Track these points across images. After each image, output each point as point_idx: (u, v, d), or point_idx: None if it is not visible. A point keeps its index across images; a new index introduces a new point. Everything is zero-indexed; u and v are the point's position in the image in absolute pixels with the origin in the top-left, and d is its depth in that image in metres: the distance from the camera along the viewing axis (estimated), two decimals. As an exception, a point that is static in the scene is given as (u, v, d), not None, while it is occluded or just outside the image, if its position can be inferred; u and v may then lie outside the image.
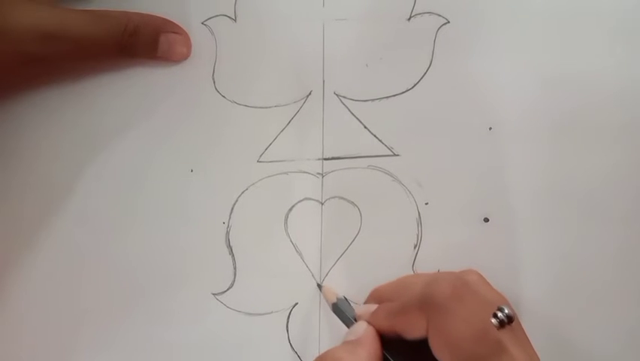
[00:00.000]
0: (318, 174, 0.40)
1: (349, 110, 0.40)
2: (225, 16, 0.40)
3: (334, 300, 0.37)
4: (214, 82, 0.40)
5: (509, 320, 0.31)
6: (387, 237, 0.39)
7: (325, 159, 0.40)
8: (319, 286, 0.39)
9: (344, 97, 0.40)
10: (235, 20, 0.40)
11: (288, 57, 0.40)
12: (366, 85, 0.40)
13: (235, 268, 0.39)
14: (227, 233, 0.39)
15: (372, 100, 0.39)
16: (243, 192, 0.40)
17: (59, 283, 0.40)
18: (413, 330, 0.31)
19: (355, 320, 0.35)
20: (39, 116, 0.40)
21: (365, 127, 0.39)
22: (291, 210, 0.40)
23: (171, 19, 0.39)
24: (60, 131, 0.40)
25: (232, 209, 0.40)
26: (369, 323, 0.33)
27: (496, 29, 0.39)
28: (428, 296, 0.31)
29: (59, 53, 0.37)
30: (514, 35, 0.39)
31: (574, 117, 0.38)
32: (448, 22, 0.39)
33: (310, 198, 0.40)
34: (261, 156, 0.40)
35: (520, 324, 0.32)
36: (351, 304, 0.38)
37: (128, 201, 0.40)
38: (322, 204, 0.40)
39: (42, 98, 0.40)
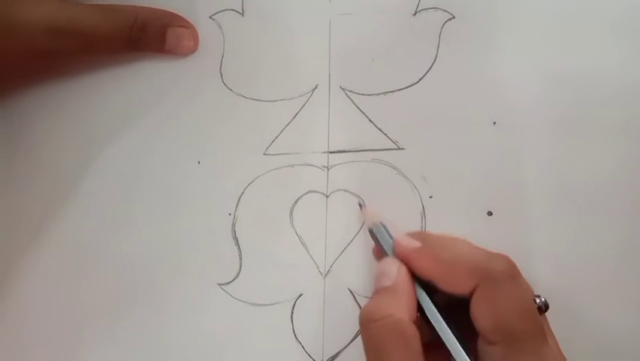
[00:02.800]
0: (324, 167, 0.40)
1: (355, 104, 0.40)
2: (233, 10, 0.40)
3: (376, 223, 0.36)
4: (221, 75, 0.40)
5: (546, 308, 0.32)
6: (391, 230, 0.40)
7: (331, 153, 0.40)
8: (360, 205, 0.39)
9: (350, 91, 0.40)
10: (242, 14, 0.40)
11: (295, 51, 0.40)
12: (371, 79, 0.40)
13: (241, 259, 0.40)
14: (234, 225, 0.40)
15: (378, 94, 0.40)
16: (249, 184, 0.40)
17: (64, 275, 0.40)
18: (456, 287, 0.32)
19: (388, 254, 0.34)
20: (45, 109, 0.41)
21: (370, 121, 0.40)
22: (296, 202, 0.40)
23: (179, 14, 0.40)
24: (67, 124, 0.41)
25: (238, 201, 0.40)
26: (405, 258, 0.33)
27: (501, 25, 0.40)
28: (484, 266, 0.31)
29: (67, 48, 0.37)
30: (519, 31, 0.39)
31: (578, 112, 0.39)
32: (454, 17, 0.40)
33: (316, 191, 0.40)
34: (267, 148, 0.40)
35: (547, 321, 0.33)
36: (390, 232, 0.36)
37: (134, 193, 0.40)
38: (327, 196, 0.40)
39: (48, 91, 0.40)
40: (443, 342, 0.31)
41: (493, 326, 0.30)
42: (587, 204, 0.38)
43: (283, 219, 0.40)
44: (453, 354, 0.31)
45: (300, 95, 0.40)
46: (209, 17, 0.40)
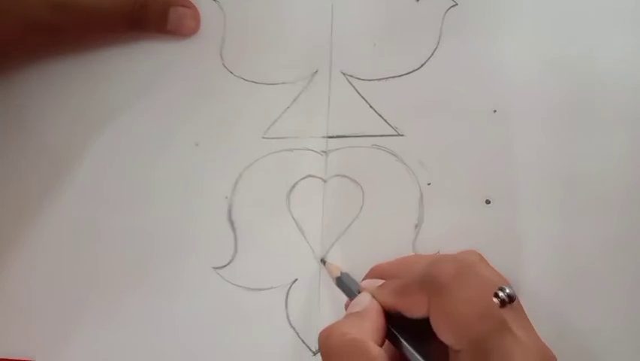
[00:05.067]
0: (323, 151, 0.40)
1: (355, 89, 0.40)
2: (235, -9, 0.40)
3: (338, 274, 0.37)
4: (222, 57, 0.40)
5: (510, 300, 0.30)
6: (388, 216, 0.39)
7: (330, 137, 0.40)
8: (323, 261, 0.39)
9: (350, 76, 0.40)
10: (245, -4, 0.40)
11: (297, 35, 0.40)
12: (373, 64, 0.40)
13: (236, 243, 0.39)
14: (230, 208, 0.40)
15: (379, 80, 0.39)
16: (246, 168, 0.40)
17: (63, 256, 0.40)
18: (415, 310, 0.31)
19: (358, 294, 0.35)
20: (45, 89, 0.41)
21: (370, 106, 0.40)
22: (294, 187, 0.40)
23: (181, -6, 0.40)
24: (66, 104, 0.41)
25: (235, 184, 0.40)
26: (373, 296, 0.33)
27: (504, 13, 0.39)
28: (430, 276, 0.31)
29: (69, 23, 0.37)
30: (521, 19, 0.39)
31: (578, 101, 0.38)
32: (457, 4, 0.40)
33: (313, 176, 0.40)
34: (266, 132, 0.40)
35: (520, 305, 0.32)
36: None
37: (132, 174, 0.40)
38: (325, 182, 0.40)
39: (49, 71, 0.40)
40: None
41: (453, 335, 0.30)
42: (585, 193, 0.38)
43: (280, 204, 0.40)
44: None
45: (301, 79, 0.40)
46: (211, -2, 0.40)
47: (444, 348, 0.31)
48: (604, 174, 0.38)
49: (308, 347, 0.39)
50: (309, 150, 0.40)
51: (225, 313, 0.39)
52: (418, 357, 0.31)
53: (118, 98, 0.40)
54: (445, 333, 0.30)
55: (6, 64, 0.40)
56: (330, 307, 0.39)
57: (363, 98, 0.40)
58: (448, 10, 0.40)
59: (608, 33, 0.39)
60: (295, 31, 0.40)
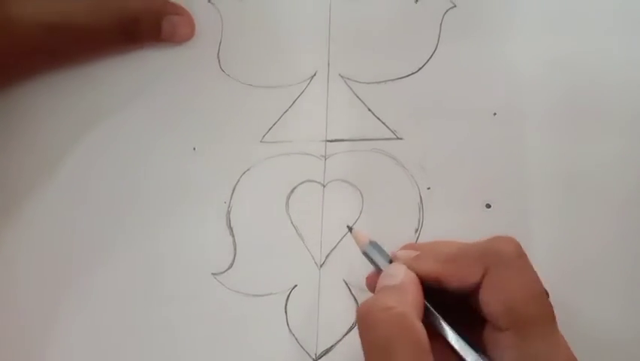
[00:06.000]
0: (321, 156, 0.39)
1: (354, 93, 0.39)
2: (232, -5, 0.40)
3: (367, 242, 0.34)
4: (219, 61, 0.40)
5: (547, 294, 0.31)
6: (388, 221, 0.39)
7: (328, 141, 0.39)
8: (349, 228, 0.36)
9: (349, 79, 0.39)
10: (242, -1, 0.40)
11: (294, 37, 0.40)
12: (371, 67, 0.39)
13: (235, 249, 0.39)
14: (228, 213, 0.39)
15: (378, 82, 0.39)
16: (245, 172, 0.39)
17: (60, 262, 0.40)
18: (465, 278, 0.30)
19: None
20: (43, 97, 0.40)
21: (369, 110, 0.39)
22: (292, 191, 0.39)
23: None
24: (64, 111, 0.40)
25: (234, 189, 0.39)
26: (407, 265, 0.31)
27: (503, 15, 0.39)
28: (493, 249, 0.30)
29: (63, 44, 0.37)
30: (520, 22, 0.39)
31: (579, 104, 0.38)
32: (455, 6, 0.39)
33: (312, 180, 0.39)
34: (264, 136, 0.40)
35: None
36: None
37: (130, 179, 0.40)
38: (324, 186, 0.39)
39: (45, 79, 0.40)
40: (448, 347, 0.30)
41: (504, 311, 0.29)
42: (586, 197, 0.38)
43: (279, 209, 0.39)
44: (461, 353, 0.30)
45: (299, 82, 0.40)
46: (208, 1, 0.40)
47: (478, 330, 0.30)
48: (605, 178, 0.38)
49: (308, 353, 0.38)
50: (307, 154, 0.39)
51: (224, 319, 0.39)
52: (457, 337, 0.30)
53: (114, 102, 0.40)
54: (494, 308, 0.29)
55: (2, 84, 0.40)
56: (330, 313, 0.39)
57: (361, 101, 0.39)
58: (446, 11, 0.39)
59: (607, 35, 0.38)
60: (293, 33, 0.40)
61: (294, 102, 0.39)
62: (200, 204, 0.39)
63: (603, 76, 0.38)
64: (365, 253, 0.34)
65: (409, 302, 0.29)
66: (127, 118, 0.40)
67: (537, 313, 0.29)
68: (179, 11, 0.39)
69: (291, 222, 0.39)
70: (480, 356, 0.29)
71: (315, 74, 0.40)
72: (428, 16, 0.39)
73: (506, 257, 0.30)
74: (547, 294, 0.31)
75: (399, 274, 0.31)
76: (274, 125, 0.39)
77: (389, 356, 0.27)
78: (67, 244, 0.40)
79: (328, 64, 0.39)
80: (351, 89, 0.39)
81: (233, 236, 0.39)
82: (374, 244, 0.34)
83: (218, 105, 0.39)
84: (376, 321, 0.28)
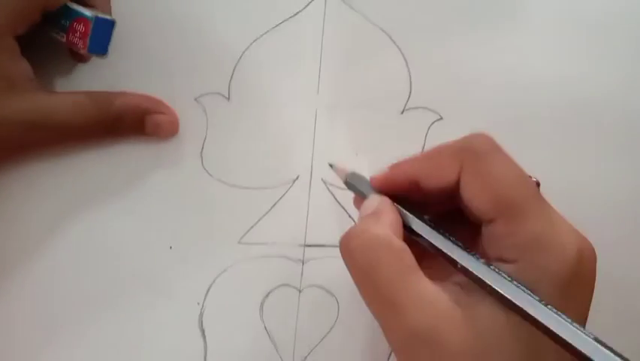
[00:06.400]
0: (299, 260, 0.39)
1: (335, 198, 0.39)
2: (219, 94, 0.39)
3: (347, 174, 0.35)
4: (202, 159, 0.39)
5: (538, 185, 0.31)
6: (364, 330, 0.38)
7: (307, 246, 0.39)
8: (330, 165, 0.37)
9: (331, 184, 0.39)
10: (228, 99, 0.39)
11: (279, 140, 0.39)
12: (354, 174, 0.39)
13: (206, 352, 0.38)
14: (201, 315, 0.38)
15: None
16: (220, 274, 0.39)
17: (27, 357, 0.38)
18: (442, 175, 0.30)
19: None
20: (21, 186, 0.39)
21: (350, 216, 0.39)
22: (267, 295, 0.39)
23: (164, 93, 0.39)
24: (41, 202, 0.39)
25: (208, 290, 0.38)
26: (384, 180, 0.32)
27: (489, 126, 0.39)
28: (466, 143, 0.30)
29: (44, 140, 0.37)
30: (510, 133, 0.39)
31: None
32: (442, 118, 0.39)
33: (288, 285, 0.39)
34: (242, 237, 0.39)
35: None
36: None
37: (102, 274, 0.38)
38: (300, 291, 0.39)
39: (21, 168, 0.39)
40: (441, 256, 0.29)
41: (489, 200, 0.28)
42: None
43: (253, 313, 0.38)
44: (455, 258, 0.28)
45: (281, 185, 0.39)
46: (194, 99, 0.39)
47: (471, 236, 0.29)
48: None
49: None
50: (285, 257, 0.39)
51: None
52: (450, 244, 0.29)
53: (93, 196, 0.39)
54: (480, 199, 0.28)
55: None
56: None
57: (342, 207, 0.39)
58: (432, 123, 0.39)
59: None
60: (278, 136, 0.39)
61: (274, 205, 0.39)
62: (173, 304, 0.38)
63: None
64: (347, 184, 0.34)
65: (384, 223, 0.29)
66: (104, 211, 0.39)
67: (523, 194, 0.28)
68: (163, 109, 0.38)
69: (265, 328, 0.38)
70: (467, 251, 0.28)
71: (297, 178, 0.39)
72: (414, 126, 0.39)
73: (481, 150, 0.29)
74: (537, 184, 0.31)
75: (374, 203, 0.31)
76: (253, 226, 0.39)
77: (374, 277, 0.28)
78: (37, 333, 0.38)
79: (311, 168, 0.39)
80: (332, 194, 0.39)
81: (204, 339, 0.38)
82: (355, 175, 0.34)
83: (198, 204, 0.39)
84: (354, 248, 0.29)
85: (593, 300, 0.29)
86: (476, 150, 0.29)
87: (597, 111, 0.40)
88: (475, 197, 0.29)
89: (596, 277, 0.28)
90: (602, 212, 0.39)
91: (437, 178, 0.30)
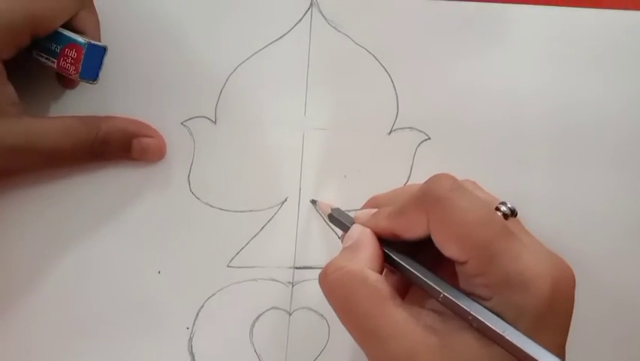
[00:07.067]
0: (289, 283, 0.39)
1: (324, 220, 0.39)
2: (205, 117, 0.39)
3: (329, 211, 0.36)
4: (189, 183, 0.39)
5: (512, 213, 0.30)
6: (354, 353, 0.38)
7: (297, 268, 0.39)
8: (313, 201, 0.38)
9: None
10: (215, 123, 0.39)
11: (266, 163, 0.39)
12: (343, 195, 0.39)
13: (195, 377, 0.38)
14: (191, 339, 0.38)
15: (349, 211, 0.39)
16: (209, 298, 0.38)
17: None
18: (413, 229, 0.30)
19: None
20: (5, 211, 0.39)
21: (339, 237, 0.39)
22: (257, 319, 0.38)
23: (150, 117, 0.39)
24: (26, 228, 0.39)
25: (197, 314, 0.38)
26: (367, 226, 0.32)
27: (477, 146, 0.39)
28: (427, 191, 0.30)
29: (29, 165, 0.37)
30: (497, 153, 0.39)
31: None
32: (429, 138, 0.39)
33: (278, 308, 0.39)
34: (231, 260, 0.39)
35: (521, 223, 0.31)
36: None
37: (91, 299, 0.38)
38: (290, 314, 0.38)
39: (10, 194, 0.39)
40: (417, 285, 0.30)
41: (457, 245, 0.28)
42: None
43: (242, 337, 0.38)
44: (435, 286, 0.29)
45: (269, 207, 0.39)
46: (181, 123, 0.39)
47: (449, 272, 0.29)
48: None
49: None
50: (274, 280, 0.39)
51: None
52: (418, 274, 0.30)
53: (81, 221, 0.39)
54: (448, 245, 0.29)
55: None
56: None
57: (332, 229, 0.39)
58: (420, 143, 0.39)
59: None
60: (265, 158, 0.39)
61: (263, 227, 0.39)
62: (162, 329, 0.38)
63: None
64: (331, 218, 0.36)
65: (362, 258, 0.31)
66: (91, 236, 0.39)
67: (488, 235, 0.28)
68: (150, 133, 0.38)
69: (255, 351, 0.38)
70: (446, 284, 0.29)
71: (286, 200, 0.39)
72: (402, 146, 0.39)
73: (442, 195, 0.29)
74: (511, 213, 0.30)
75: (354, 235, 0.32)
76: (242, 249, 0.39)
77: (352, 310, 0.29)
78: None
79: (300, 190, 0.39)
80: (322, 216, 0.39)
81: (194, 364, 0.38)
82: (337, 210, 0.36)
83: (187, 228, 0.39)
84: (332, 284, 0.30)
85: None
86: (438, 196, 0.29)
87: (584, 131, 0.40)
88: (444, 243, 0.29)
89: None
90: (589, 227, 0.39)
91: (410, 232, 0.31)
